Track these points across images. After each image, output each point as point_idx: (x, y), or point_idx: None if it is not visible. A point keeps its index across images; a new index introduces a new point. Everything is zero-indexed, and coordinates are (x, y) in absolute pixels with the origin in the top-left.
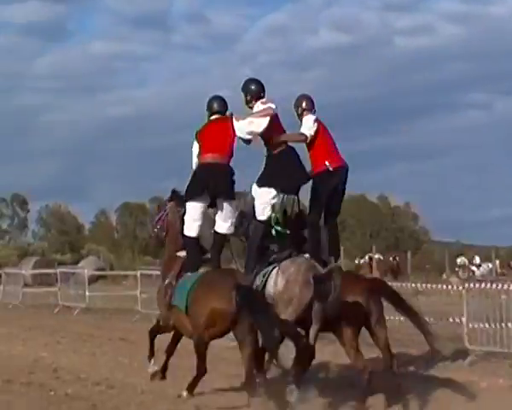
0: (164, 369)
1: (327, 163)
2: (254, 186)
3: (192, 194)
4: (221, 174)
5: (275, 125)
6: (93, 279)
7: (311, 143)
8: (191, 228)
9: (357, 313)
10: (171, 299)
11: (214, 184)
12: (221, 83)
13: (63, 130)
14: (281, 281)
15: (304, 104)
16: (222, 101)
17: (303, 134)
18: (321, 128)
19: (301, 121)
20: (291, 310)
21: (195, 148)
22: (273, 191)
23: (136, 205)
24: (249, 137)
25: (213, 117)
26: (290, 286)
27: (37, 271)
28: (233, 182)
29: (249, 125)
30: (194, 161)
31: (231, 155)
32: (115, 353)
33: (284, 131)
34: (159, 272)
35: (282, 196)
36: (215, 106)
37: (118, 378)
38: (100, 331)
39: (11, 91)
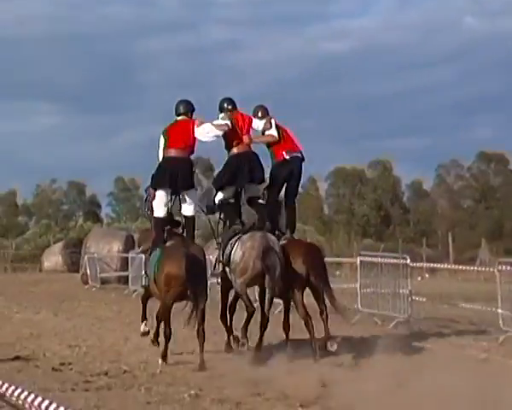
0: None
1: (284, 153)
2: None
3: (157, 184)
4: (182, 167)
5: (236, 133)
6: None
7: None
8: (158, 210)
9: (300, 274)
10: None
11: (177, 175)
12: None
13: (258, 73)
14: (238, 252)
15: (259, 114)
16: (188, 104)
17: (274, 136)
18: (281, 129)
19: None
20: (244, 279)
21: (161, 142)
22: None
23: (353, 171)
24: (207, 140)
25: (179, 118)
26: (245, 258)
27: None
28: (193, 172)
29: (206, 133)
30: (160, 153)
31: (192, 151)
32: None
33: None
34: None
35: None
36: (181, 108)
37: None
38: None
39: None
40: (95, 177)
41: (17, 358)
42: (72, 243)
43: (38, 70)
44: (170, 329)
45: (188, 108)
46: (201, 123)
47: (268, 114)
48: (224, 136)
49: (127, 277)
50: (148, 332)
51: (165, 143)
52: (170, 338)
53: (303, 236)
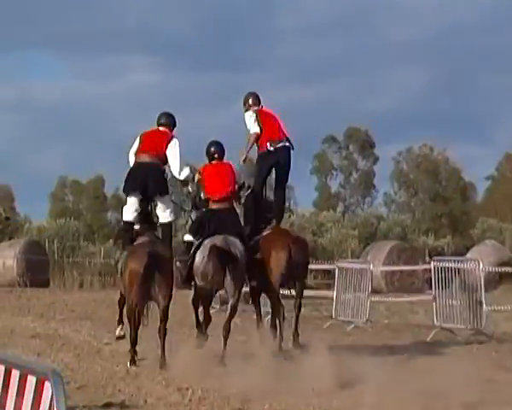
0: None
1: (268, 144)
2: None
3: (128, 189)
4: (154, 174)
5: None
6: (492, 280)
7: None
8: (127, 215)
9: (280, 265)
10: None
11: (148, 181)
12: None
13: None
14: (198, 256)
15: (250, 101)
16: (170, 117)
17: (253, 134)
18: (262, 118)
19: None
20: (206, 283)
21: (135, 145)
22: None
23: None
24: (177, 174)
25: (160, 128)
26: (204, 263)
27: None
28: (165, 179)
29: (181, 163)
30: (131, 157)
31: (165, 162)
32: None
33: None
34: None
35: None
36: (162, 119)
37: None
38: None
39: None
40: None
41: (109, 405)
42: (180, 250)
43: (132, 15)
44: (135, 331)
45: (169, 120)
46: (176, 147)
47: (259, 101)
48: (202, 186)
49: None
50: (124, 336)
51: (138, 147)
52: (135, 342)
53: (499, 237)
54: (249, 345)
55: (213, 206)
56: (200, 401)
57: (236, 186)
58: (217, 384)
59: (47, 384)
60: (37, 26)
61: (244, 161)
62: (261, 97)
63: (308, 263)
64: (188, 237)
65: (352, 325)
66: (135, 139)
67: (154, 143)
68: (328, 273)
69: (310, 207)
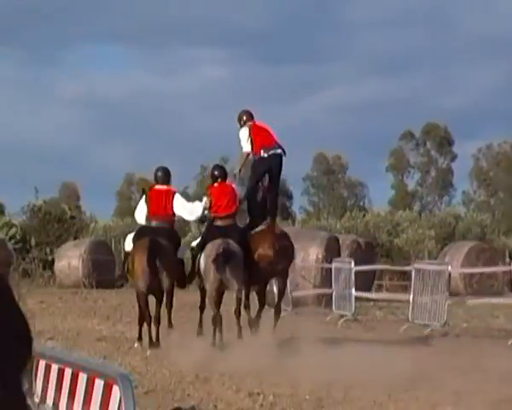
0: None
1: (262, 152)
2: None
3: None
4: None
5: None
6: None
7: (251, 142)
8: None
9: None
10: None
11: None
12: None
13: None
14: (202, 259)
15: (244, 117)
16: (166, 172)
17: (245, 152)
18: (255, 130)
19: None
20: (209, 283)
21: (142, 207)
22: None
23: None
24: (189, 218)
25: (160, 186)
26: (206, 265)
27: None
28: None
29: (189, 212)
30: (141, 216)
31: (174, 218)
32: None
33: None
34: None
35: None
36: (159, 175)
37: None
38: None
39: None
40: None
41: (178, 409)
42: None
43: (204, 7)
44: (148, 313)
45: (167, 177)
46: (179, 200)
47: (252, 117)
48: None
49: (330, 296)
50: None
51: (147, 210)
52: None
53: None
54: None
55: (219, 222)
56: (271, 407)
57: (237, 203)
58: (289, 390)
59: (115, 388)
60: (107, 19)
61: (239, 172)
62: (253, 113)
63: (291, 261)
64: (194, 244)
65: (429, 329)
66: (140, 198)
67: (164, 206)
68: (404, 275)
69: (385, 206)
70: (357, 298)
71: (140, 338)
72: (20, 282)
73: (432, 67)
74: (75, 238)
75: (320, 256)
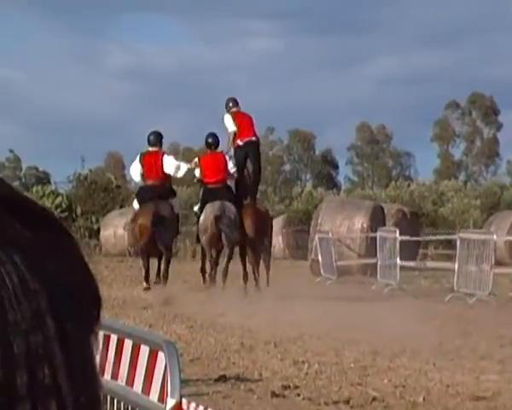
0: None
1: (239, 141)
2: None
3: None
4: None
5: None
6: None
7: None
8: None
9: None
10: None
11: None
12: None
13: None
14: (202, 216)
15: (230, 104)
16: (157, 135)
17: (231, 132)
18: (237, 117)
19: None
20: (205, 237)
21: (137, 167)
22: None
23: None
24: (176, 174)
25: (152, 149)
26: (205, 221)
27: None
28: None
29: (176, 168)
30: (136, 176)
31: (166, 178)
32: None
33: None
34: None
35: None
36: (151, 139)
37: None
38: None
39: None
40: (328, 124)
41: (223, 378)
42: (296, 219)
43: None
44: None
45: (158, 139)
46: (167, 159)
47: (237, 104)
48: (201, 172)
49: (375, 265)
50: (149, 288)
51: (142, 171)
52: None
53: None
54: None
55: (212, 186)
56: (316, 375)
57: (228, 169)
58: (333, 358)
59: (160, 355)
60: None
61: (232, 152)
62: (239, 101)
63: (267, 229)
64: (196, 209)
65: (475, 298)
66: (135, 158)
67: (155, 168)
68: (449, 244)
69: (430, 176)
70: (402, 267)
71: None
72: None
73: (477, 38)
74: (121, 207)
75: (365, 226)
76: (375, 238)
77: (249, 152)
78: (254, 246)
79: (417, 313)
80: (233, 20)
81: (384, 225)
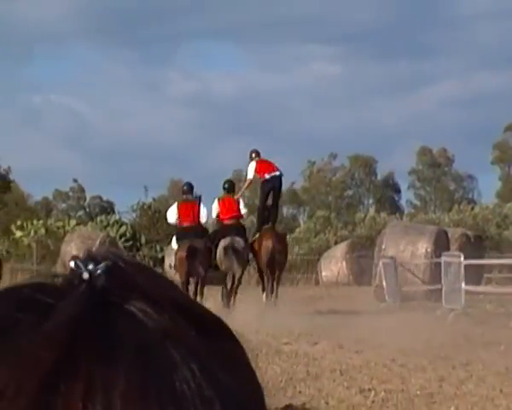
0: None
1: (266, 175)
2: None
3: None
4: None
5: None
6: None
7: (257, 171)
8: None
9: (264, 254)
10: None
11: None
12: None
13: None
14: (218, 251)
15: (253, 155)
16: (190, 186)
17: (248, 180)
18: (259, 163)
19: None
20: (222, 268)
21: (174, 212)
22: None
23: None
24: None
25: (185, 197)
26: (219, 255)
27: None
28: (206, 230)
29: (206, 215)
30: (173, 221)
31: (199, 221)
32: None
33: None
34: None
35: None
36: (185, 188)
37: None
38: None
39: None
40: (390, 149)
41: (289, 407)
42: (359, 244)
43: (314, 2)
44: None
45: (191, 190)
46: (202, 209)
47: (259, 154)
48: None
49: (439, 290)
50: None
51: (178, 215)
52: None
53: None
54: None
55: (226, 222)
56: (382, 403)
57: (241, 211)
58: (399, 385)
59: None
60: (217, 15)
61: (241, 195)
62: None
63: (286, 254)
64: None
65: None
66: (171, 205)
67: (192, 213)
68: None
69: (493, 199)
70: (466, 292)
71: None
72: None
73: None
74: None
75: (429, 250)
76: (439, 263)
77: (275, 185)
78: (273, 262)
79: (482, 339)
80: (296, 45)
81: (448, 249)
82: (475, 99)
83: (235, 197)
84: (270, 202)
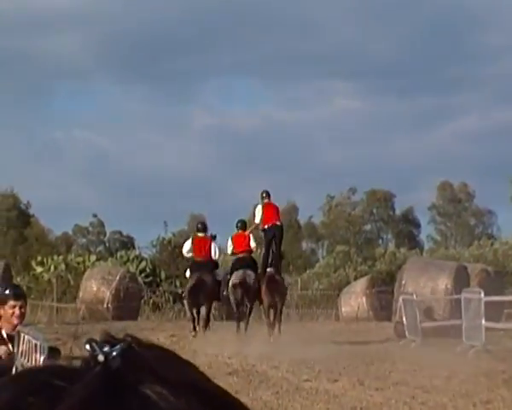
0: None
1: (265, 226)
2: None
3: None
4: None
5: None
6: None
7: (261, 218)
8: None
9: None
10: None
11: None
12: None
13: None
14: (230, 282)
15: (264, 195)
16: (204, 224)
17: (255, 223)
18: (265, 207)
19: None
20: (232, 299)
21: (188, 246)
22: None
23: None
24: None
25: (199, 234)
26: (231, 287)
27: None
28: (216, 265)
29: (217, 253)
30: (188, 254)
31: (211, 256)
32: None
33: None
34: None
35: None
36: (199, 226)
37: None
38: None
39: None
40: (408, 183)
41: None
42: (379, 280)
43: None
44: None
45: (205, 228)
46: (213, 247)
47: (269, 196)
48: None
49: (460, 326)
50: (195, 336)
51: (192, 249)
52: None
53: None
54: None
55: (240, 255)
56: None
57: (251, 245)
58: None
59: None
60: (239, 51)
61: (250, 232)
62: (271, 193)
63: (285, 295)
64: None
65: None
66: (186, 241)
67: (204, 249)
68: None
69: None
70: (486, 328)
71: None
72: (150, 316)
73: None
74: None
75: (449, 287)
76: (460, 299)
77: (275, 235)
78: (272, 304)
79: (503, 376)
80: (314, 80)
81: (468, 285)
82: (496, 133)
83: (246, 233)
84: (273, 247)
